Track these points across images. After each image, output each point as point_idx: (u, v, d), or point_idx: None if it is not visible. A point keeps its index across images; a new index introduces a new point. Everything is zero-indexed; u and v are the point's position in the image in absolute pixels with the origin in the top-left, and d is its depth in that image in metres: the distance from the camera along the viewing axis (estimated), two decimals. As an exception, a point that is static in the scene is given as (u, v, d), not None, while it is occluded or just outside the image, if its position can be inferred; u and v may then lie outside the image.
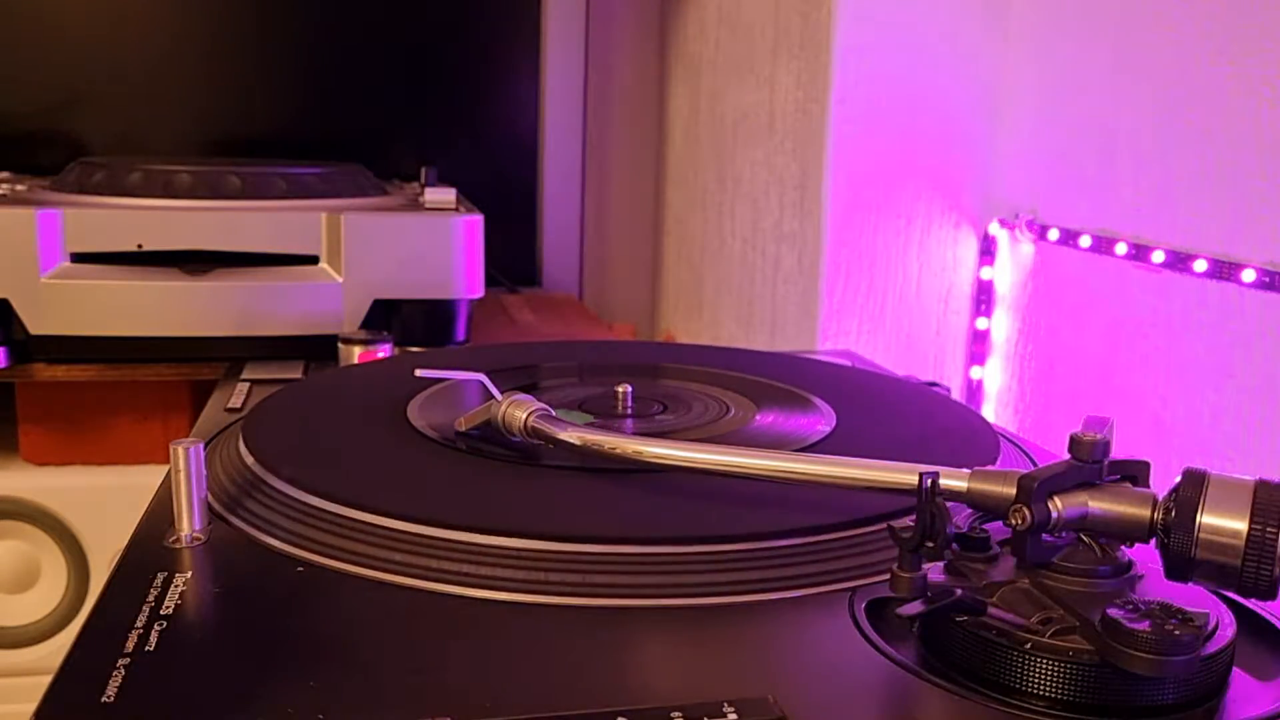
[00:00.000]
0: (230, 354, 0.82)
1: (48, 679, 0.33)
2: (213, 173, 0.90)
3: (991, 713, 0.33)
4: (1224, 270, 0.71)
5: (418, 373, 0.56)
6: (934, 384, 0.70)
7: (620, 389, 0.59)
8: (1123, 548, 0.37)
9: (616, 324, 1.42)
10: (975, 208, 0.95)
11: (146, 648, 0.35)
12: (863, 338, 0.95)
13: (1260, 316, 0.69)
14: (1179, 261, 0.75)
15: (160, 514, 0.45)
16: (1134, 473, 0.38)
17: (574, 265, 1.45)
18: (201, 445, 0.44)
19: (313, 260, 0.86)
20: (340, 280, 0.86)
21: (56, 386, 0.86)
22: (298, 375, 0.76)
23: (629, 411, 0.58)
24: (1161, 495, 0.35)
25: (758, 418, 0.58)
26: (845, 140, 0.92)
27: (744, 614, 0.39)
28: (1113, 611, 0.32)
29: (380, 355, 0.75)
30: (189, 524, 0.44)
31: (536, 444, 0.50)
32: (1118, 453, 0.37)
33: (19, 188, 0.93)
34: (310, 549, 0.43)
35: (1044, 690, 0.33)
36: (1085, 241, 0.84)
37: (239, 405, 0.65)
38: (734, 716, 0.32)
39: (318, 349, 0.82)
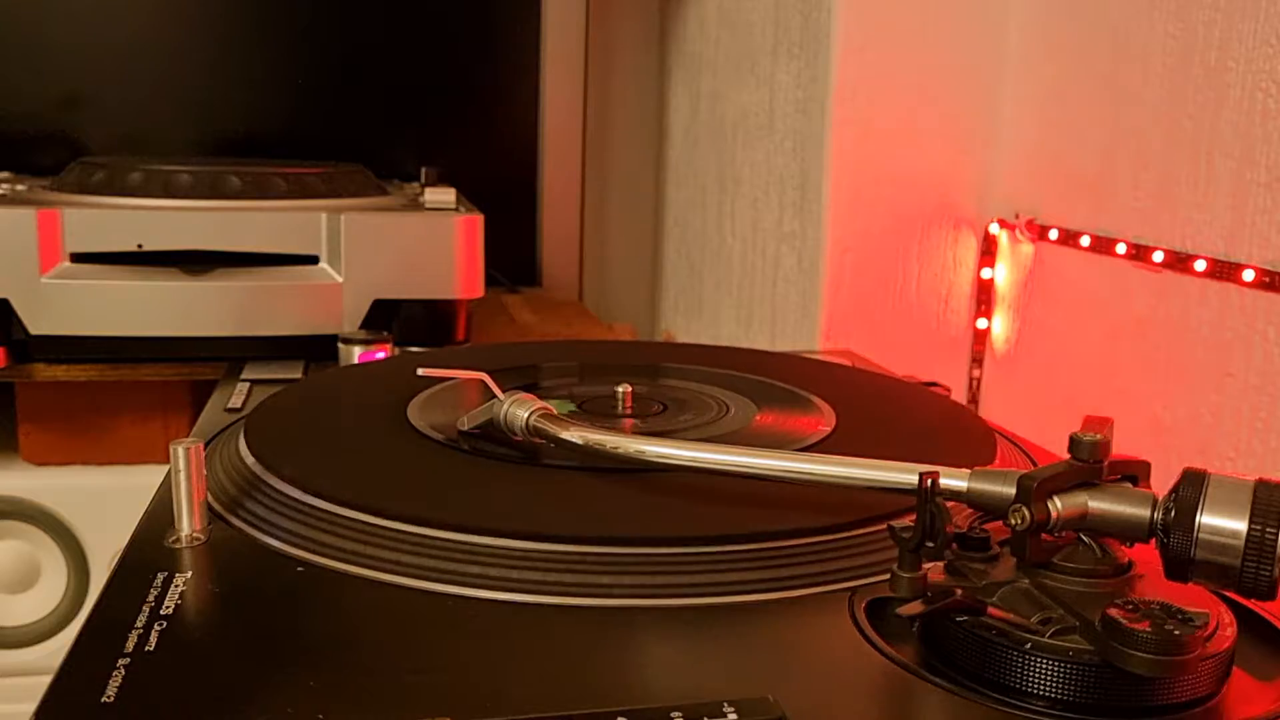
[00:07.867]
0: (230, 354, 0.82)
1: (48, 679, 0.33)
2: (213, 173, 0.90)
3: (991, 713, 0.33)
4: (1224, 270, 0.71)
5: (420, 372, 0.56)
6: (934, 384, 0.70)
7: (620, 389, 0.59)
8: (1123, 548, 0.37)
9: (616, 324, 1.42)
10: (975, 208, 0.95)
11: (146, 648, 0.35)
12: (863, 338, 0.95)
13: (1260, 316, 0.69)
14: (1179, 261, 0.75)
15: (160, 514, 0.45)
16: (1134, 473, 0.38)
17: (574, 265, 1.45)
18: (201, 445, 0.44)
19: (313, 260, 0.86)
20: (340, 280, 0.86)
21: (56, 386, 0.86)
22: (298, 375, 0.76)
23: (629, 411, 0.58)
24: (1161, 495, 0.35)
25: (758, 418, 0.58)
26: (845, 140, 0.92)
27: (744, 614, 0.39)
28: (1113, 611, 0.32)
29: (380, 355, 0.75)
30: (189, 524, 0.44)
31: (538, 443, 0.50)
32: (1117, 453, 0.37)
33: (19, 188, 0.93)
34: (310, 549, 0.43)
35: (1044, 690, 0.33)
36: (1085, 241, 0.84)
37: (239, 405, 0.65)
38: (734, 716, 0.32)
39: (318, 349, 0.82)
